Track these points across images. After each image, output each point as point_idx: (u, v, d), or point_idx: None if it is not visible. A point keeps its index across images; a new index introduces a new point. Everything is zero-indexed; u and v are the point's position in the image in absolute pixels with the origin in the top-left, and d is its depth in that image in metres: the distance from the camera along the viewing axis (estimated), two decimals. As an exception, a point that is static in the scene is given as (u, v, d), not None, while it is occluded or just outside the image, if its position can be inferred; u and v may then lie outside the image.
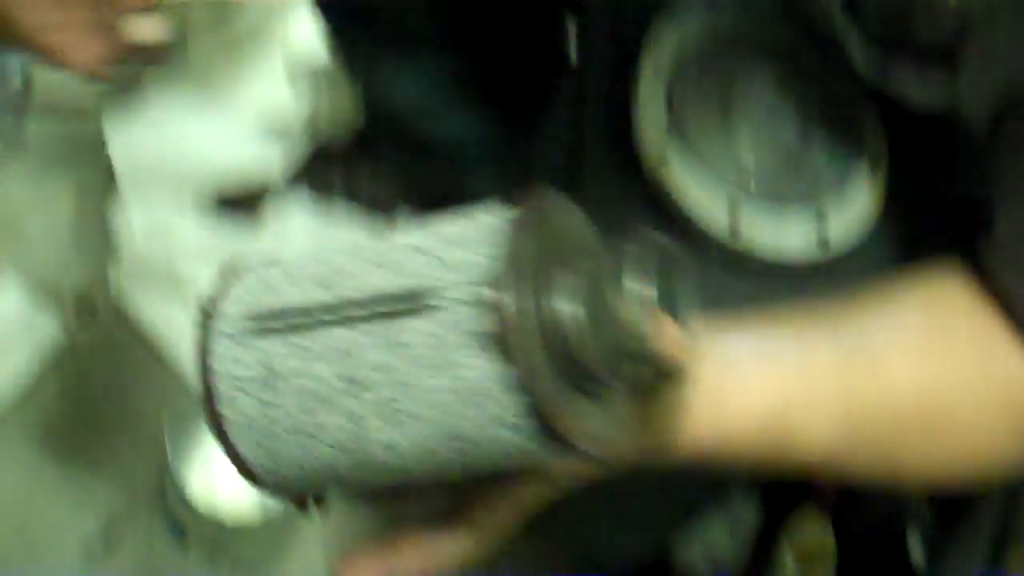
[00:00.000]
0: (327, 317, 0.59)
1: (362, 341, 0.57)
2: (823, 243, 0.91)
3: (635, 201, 0.92)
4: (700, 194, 0.89)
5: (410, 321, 0.56)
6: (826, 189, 0.92)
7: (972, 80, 0.80)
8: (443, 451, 0.57)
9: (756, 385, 0.72)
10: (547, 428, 0.54)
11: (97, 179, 1.55)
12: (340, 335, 0.58)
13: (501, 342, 0.53)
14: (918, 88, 0.87)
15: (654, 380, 0.59)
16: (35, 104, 1.59)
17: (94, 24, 0.72)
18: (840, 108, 0.96)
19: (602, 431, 0.57)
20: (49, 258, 1.49)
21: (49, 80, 1.62)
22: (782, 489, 1.26)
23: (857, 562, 1.27)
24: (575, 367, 0.54)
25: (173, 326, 1.42)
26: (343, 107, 1.52)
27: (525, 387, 0.53)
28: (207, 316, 0.64)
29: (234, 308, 0.63)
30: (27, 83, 1.59)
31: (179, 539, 1.29)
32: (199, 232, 1.46)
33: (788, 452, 0.73)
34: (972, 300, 0.77)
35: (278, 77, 1.50)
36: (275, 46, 1.57)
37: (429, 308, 0.55)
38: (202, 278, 1.40)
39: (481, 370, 0.54)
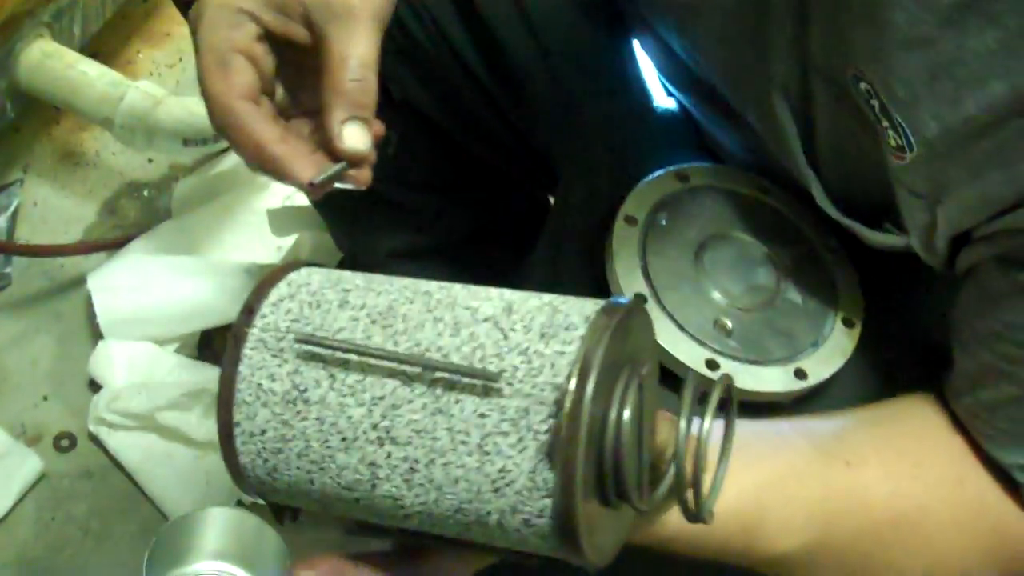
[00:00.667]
0: (383, 364, 0.57)
1: (411, 400, 0.56)
2: (801, 376, 0.90)
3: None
4: (676, 350, 0.88)
5: (468, 397, 0.55)
6: (804, 348, 0.91)
7: (922, 237, 0.82)
8: (448, 521, 0.57)
9: (731, 476, 0.72)
10: (567, 535, 0.54)
11: (78, 314, 1.56)
12: (390, 386, 0.57)
13: (552, 448, 0.53)
14: (876, 238, 0.89)
15: (667, 496, 0.60)
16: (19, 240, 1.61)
17: (314, 136, 0.75)
18: (814, 256, 0.97)
19: (607, 541, 0.58)
20: (28, 390, 1.49)
21: (35, 217, 1.65)
22: None
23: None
24: (614, 478, 0.55)
25: (150, 457, 1.43)
26: (323, 251, 1.54)
27: (562, 497, 0.53)
28: (249, 314, 0.62)
29: (278, 318, 0.61)
30: (14, 219, 1.61)
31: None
32: (180, 371, 1.48)
33: (758, 545, 0.74)
34: (947, 423, 0.79)
35: (261, 228, 1.52)
36: (258, 200, 1.60)
37: (492, 390, 0.55)
38: (181, 414, 1.41)
39: (520, 465, 0.54)
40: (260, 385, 0.60)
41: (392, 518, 0.60)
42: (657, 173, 0.99)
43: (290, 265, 0.65)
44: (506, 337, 0.57)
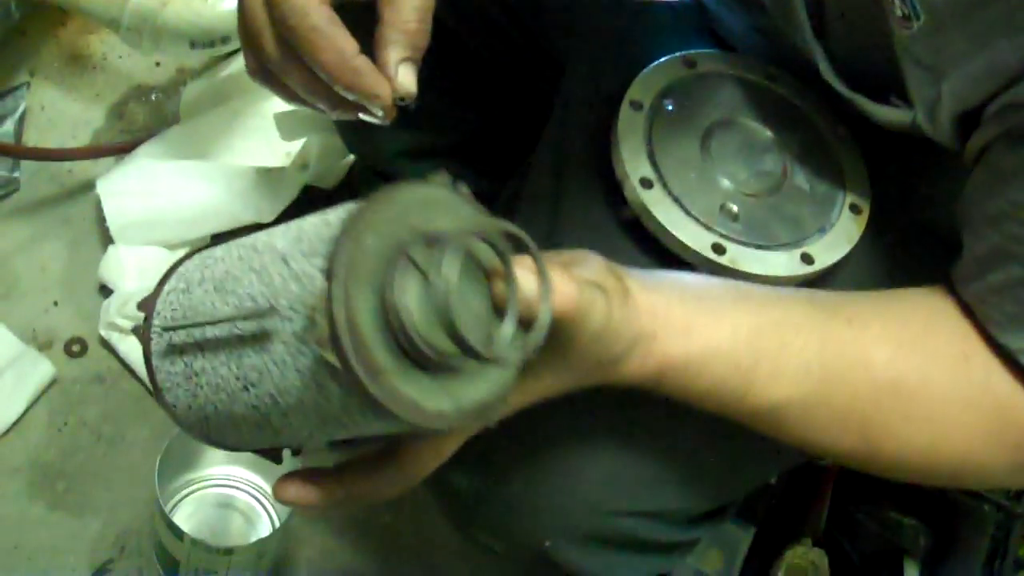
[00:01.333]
0: (216, 332, 0.65)
1: (244, 348, 0.63)
2: (808, 260, 0.90)
3: (618, 223, 0.92)
4: (683, 234, 0.88)
5: (273, 334, 0.61)
6: (810, 234, 0.91)
7: (927, 111, 0.80)
8: (324, 432, 0.63)
9: (729, 319, 0.73)
10: (381, 412, 0.57)
11: (88, 219, 1.55)
12: (227, 343, 0.64)
13: (325, 345, 0.56)
14: (883, 113, 0.88)
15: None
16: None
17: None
18: (821, 142, 0.96)
19: (457, 402, 0.59)
20: (38, 295, 1.49)
21: (42, 121, 1.63)
22: (778, 518, 1.26)
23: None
24: (410, 346, 0.57)
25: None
26: (331, 154, 1.53)
27: (352, 380, 0.56)
28: (146, 319, 0.71)
29: (164, 311, 0.70)
30: (21, 123, 1.60)
31: (170, 570, 1.28)
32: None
33: (751, 391, 0.73)
34: (955, 307, 0.78)
35: (269, 132, 1.51)
36: (267, 104, 1.58)
37: (282, 320, 0.60)
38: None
39: (324, 371, 0.58)
40: (167, 371, 0.69)
41: (298, 439, 0.67)
42: (663, 59, 0.98)
43: (183, 258, 0.73)
44: (288, 267, 0.61)
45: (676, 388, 0.73)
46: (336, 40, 0.69)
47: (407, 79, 0.71)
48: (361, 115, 0.72)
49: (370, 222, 0.58)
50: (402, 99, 0.72)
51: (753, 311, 0.75)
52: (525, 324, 0.61)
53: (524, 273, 0.61)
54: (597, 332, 0.66)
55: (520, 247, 0.61)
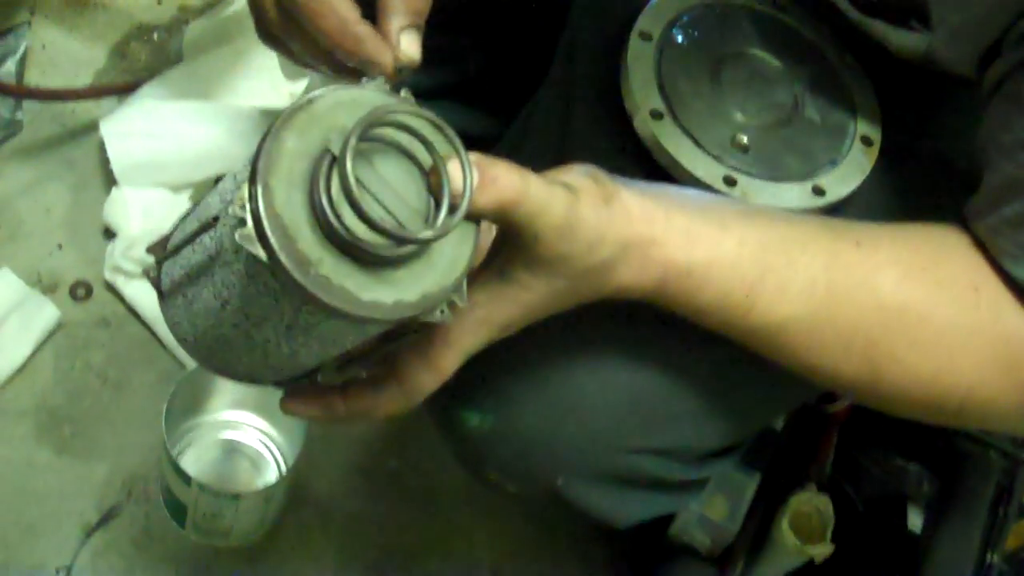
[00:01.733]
0: (194, 255, 0.68)
1: (212, 268, 0.65)
2: (819, 193, 0.90)
3: (627, 156, 0.91)
4: (694, 166, 0.87)
5: (223, 244, 0.63)
6: (821, 166, 0.90)
7: (948, 36, 0.79)
8: (297, 346, 0.66)
9: (735, 231, 0.72)
10: (332, 311, 0.59)
11: (91, 160, 1.54)
12: (203, 264, 0.66)
13: (253, 241, 0.58)
14: (899, 38, 0.87)
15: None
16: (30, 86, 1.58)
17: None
18: (832, 74, 0.95)
19: (399, 291, 0.61)
20: (42, 238, 1.48)
21: (44, 61, 1.62)
22: (783, 465, 1.26)
23: (856, 533, 1.27)
24: (348, 246, 0.59)
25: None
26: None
27: (289, 280, 0.58)
28: (156, 259, 0.73)
29: (173, 239, 0.73)
30: (22, 63, 1.58)
31: (177, 515, 1.29)
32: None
33: (756, 306, 0.73)
34: (967, 241, 0.77)
35: (273, 72, 1.49)
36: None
37: (228, 228, 0.61)
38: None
39: (258, 271, 0.61)
40: (174, 307, 0.72)
41: (291, 362, 0.69)
42: None
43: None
44: (234, 178, 0.64)
45: (679, 299, 0.72)
46: (337, 7, 0.69)
47: (410, 47, 0.71)
48: (364, 80, 0.71)
49: (294, 124, 0.60)
50: (403, 67, 0.71)
51: (760, 226, 0.74)
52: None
53: (453, 164, 0.61)
54: (559, 226, 0.65)
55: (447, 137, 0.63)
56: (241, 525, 1.30)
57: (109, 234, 1.48)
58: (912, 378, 0.75)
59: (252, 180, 0.58)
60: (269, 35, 0.74)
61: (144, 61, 1.66)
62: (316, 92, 0.62)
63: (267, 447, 1.38)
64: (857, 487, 1.32)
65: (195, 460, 1.36)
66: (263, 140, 0.59)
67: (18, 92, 1.53)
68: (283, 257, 0.58)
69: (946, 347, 0.75)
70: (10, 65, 1.57)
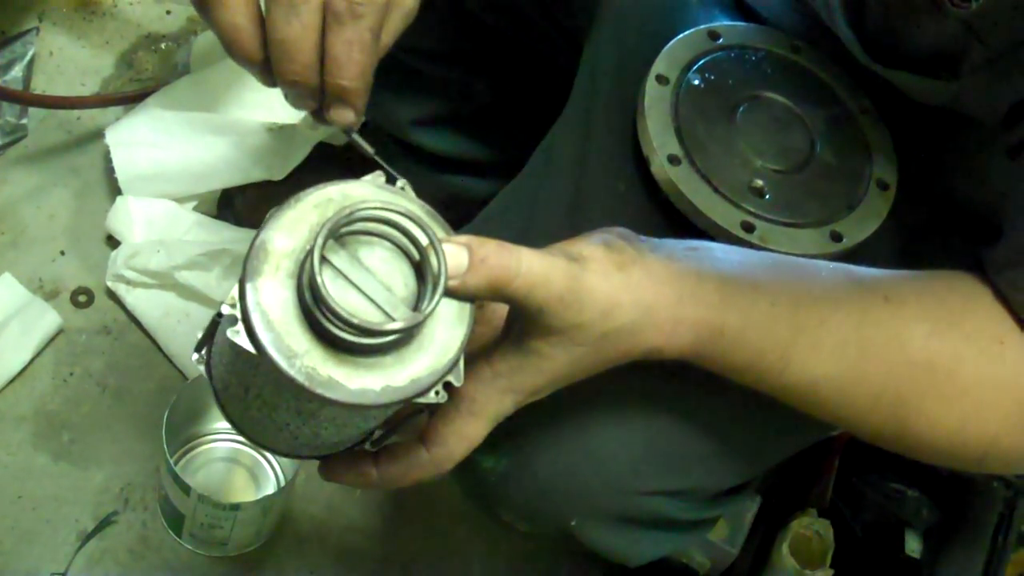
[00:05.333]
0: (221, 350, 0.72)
1: (234, 359, 0.69)
2: (836, 238, 0.90)
3: (644, 200, 0.91)
4: (711, 211, 0.88)
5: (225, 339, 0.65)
6: (838, 210, 0.91)
7: (978, 88, 0.80)
8: (315, 428, 0.69)
9: (767, 291, 0.73)
10: (305, 392, 0.61)
11: (96, 168, 1.54)
12: (230, 357, 0.70)
13: (244, 338, 0.62)
14: (922, 86, 0.87)
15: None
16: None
17: None
18: (848, 117, 0.95)
19: (387, 380, 0.63)
20: (45, 244, 1.48)
21: (51, 68, 1.62)
22: (784, 488, 1.27)
23: (854, 558, 1.27)
24: (335, 337, 0.61)
25: (168, 315, 1.42)
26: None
27: (268, 367, 0.62)
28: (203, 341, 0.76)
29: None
30: (30, 69, 1.58)
31: (174, 524, 1.29)
32: (199, 229, 1.46)
33: (790, 366, 0.73)
34: (989, 292, 0.77)
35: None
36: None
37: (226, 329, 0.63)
38: (200, 274, 1.40)
39: (258, 363, 0.63)
40: (224, 391, 0.74)
41: (320, 439, 0.72)
42: (688, 31, 0.97)
43: None
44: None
45: (714, 359, 0.73)
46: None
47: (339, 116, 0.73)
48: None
49: (282, 222, 0.64)
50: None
51: (791, 283, 0.75)
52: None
53: (449, 247, 0.64)
54: (562, 297, 0.66)
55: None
56: (238, 535, 1.30)
57: (112, 242, 1.48)
58: (938, 429, 0.76)
59: (242, 279, 0.62)
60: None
61: (151, 71, 1.66)
62: (306, 190, 0.65)
63: (266, 459, 1.38)
64: (855, 512, 1.32)
65: (194, 470, 1.36)
66: (254, 238, 0.63)
67: (24, 98, 1.53)
68: (270, 351, 0.61)
69: (972, 400, 0.76)
70: (17, 71, 1.57)
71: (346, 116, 0.72)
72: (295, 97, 0.72)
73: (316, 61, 0.69)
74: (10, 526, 1.30)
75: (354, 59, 0.69)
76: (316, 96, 0.71)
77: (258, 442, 0.77)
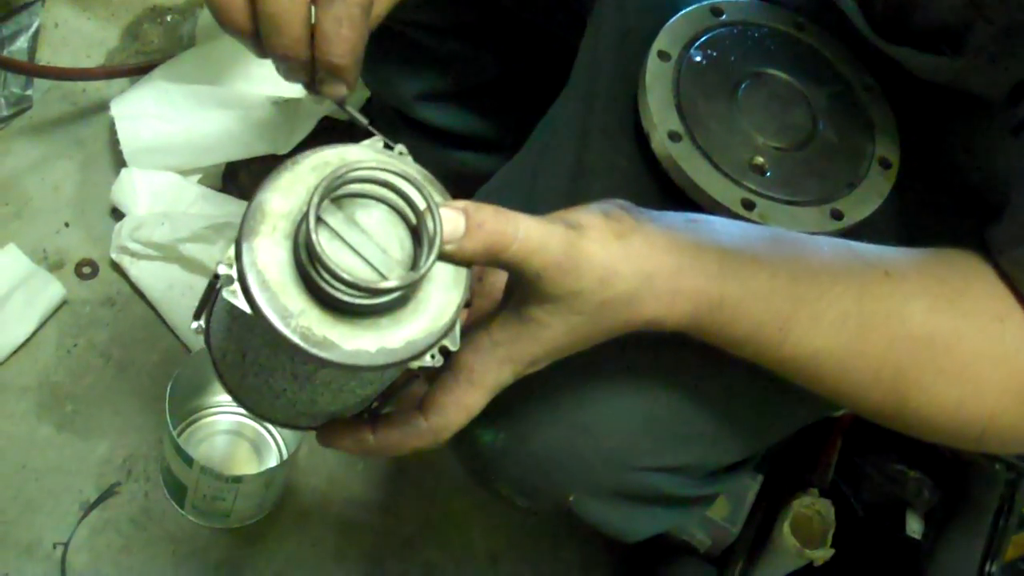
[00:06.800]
0: (217, 307, 0.73)
1: (230, 322, 0.70)
2: (837, 216, 0.89)
3: (644, 175, 0.91)
4: (711, 188, 0.87)
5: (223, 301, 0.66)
6: (839, 189, 0.90)
7: (982, 65, 0.80)
8: (311, 393, 0.70)
9: (766, 263, 0.73)
10: (300, 353, 0.61)
11: (100, 140, 1.54)
12: (227, 320, 0.71)
13: (240, 296, 0.62)
14: (926, 63, 0.87)
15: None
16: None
17: None
18: (850, 95, 0.95)
19: (382, 342, 0.63)
20: (50, 216, 1.48)
21: (56, 39, 1.62)
22: (786, 468, 1.27)
23: (855, 537, 1.27)
24: (331, 299, 0.61)
25: (172, 287, 1.42)
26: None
27: (263, 327, 0.62)
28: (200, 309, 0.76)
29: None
30: (35, 40, 1.58)
31: (177, 496, 1.29)
32: (203, 202, 1.46)
33: (789, 338, 0.73)
34: (991, 270, 0.77)
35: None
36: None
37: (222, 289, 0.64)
38: (204, 247, 1.40)
39: (253, 324, 0.63)
40: (222, 356, 0.74)
41: (318, 406, 0.72)
42: (690, 7, 0.96)
43: None
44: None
45: (712, 331, 0.73)
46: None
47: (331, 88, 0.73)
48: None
49: (279, 184, 0.64)
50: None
51: (791, 256, 0.74)
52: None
53: (446, 212, 0.64)
54: (559, 263, 0.66)
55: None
56: (241, 508, 1.30)
57: (116, 214, 1.48)
58: (937, 406, 0.76)
59: (238, 239, 0.62)
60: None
61: (156, 44, 1.66)
62: (304, 153, 0.65)
63: (269, 431, 1.38)
64: (857, 491, 1.32)
65: (197, 442, 1.36)
66: (251, 200, 0.63)
67: (29, 69, 1.53)
68: (265, 310, 0.61)
69: (971, 377, 0.75)
70: (22, 42, 1.56)
71: (338, 90, 0.72)
72: (286, 70, 0.72)
73: (306, 36, 0.69)
74: (13, 496, 1.31)
75: (343, 35, 0.69)
76: (307, 69, 0.71)
77: (256, 412, 0.77)
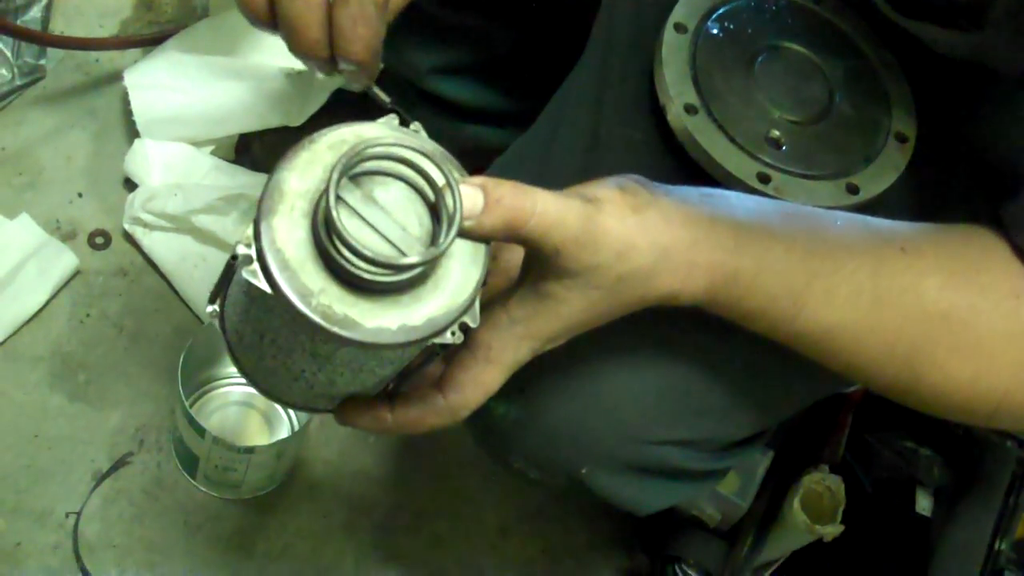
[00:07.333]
0: (234, 289, 0.72)
1: (249, 305, 0.69)
2: (853, 191, 0.89)
3: (660, 148, 0.91)
4: (727, 162, 0.87)
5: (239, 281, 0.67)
6: (855, 163, 0.90)
7: (1001, 40, 0.79)
8: (332, 374, 0.70)
9: (782, 236, 0.73)
10: (321, 332, 0.61)
11: (114, 110, 1.54)
12: (244, 302, 0.70)
13: (259, 276, 0.62)
14: (945, 38, 0.86)
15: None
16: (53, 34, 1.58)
17: None
18: (867, 68, 0.94)
19: (404, 320, 0.63)
20: (63, 186, 1.48)
21: (69, 9, 1.61)
22: (796, 443, 1.27)
23: (865, 514, 1.27)
24: (351, 276, 0.61)
25: (185, 259, 1.42)
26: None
27: (282, 306, 0.62)
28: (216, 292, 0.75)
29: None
30: (48, 10, 1.57)
31: (189, 466, 1.30)
32: (216, 174, 1.46)
33: (803, 313, 0.73)
34: (1008, 248, 0.77)
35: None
36: None
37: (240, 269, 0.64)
38: (217, 218, 1.40)
39: (272, 304, 0.64)
40: (238, 340, 0.74)
41: (333, 387, 0.73)
42: None
43: None
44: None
45: (727, 304, 0.73)
46: None
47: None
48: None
49: (296, 163, 0.64)
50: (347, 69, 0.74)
51: (806, 230, 0.74)
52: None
53: (447, 191, 0.64)
54: (577, 238, 0.66)
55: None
56: (252, 479, 1.31)
57: (129, 184, 1.48)
58: (951, 382, 0.76)
59: (257, 219, 0.62)
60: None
61: (170, 14, 1.65)
62: (320, 131, 0.65)
63: (280, 403, 1.38)
64: (867, 468, 1.32)
65: (209, 413, 1.37)
66: (268, 179, 0.63)
67: (43, 39, 1.53)
68: (285, 289, 0.61)
69: (985, 353, 0.75)
70: (36, 12, 1.56)
71: (359, 81, 0.73)
72: (308, 65, 0.73)
73: (323, 37, 0.70)
74: (26, 465, 1.31)
75: (359, 33, 0.70)
76: (328, 64, 0.72)
77: (273, 394, 0.77)
